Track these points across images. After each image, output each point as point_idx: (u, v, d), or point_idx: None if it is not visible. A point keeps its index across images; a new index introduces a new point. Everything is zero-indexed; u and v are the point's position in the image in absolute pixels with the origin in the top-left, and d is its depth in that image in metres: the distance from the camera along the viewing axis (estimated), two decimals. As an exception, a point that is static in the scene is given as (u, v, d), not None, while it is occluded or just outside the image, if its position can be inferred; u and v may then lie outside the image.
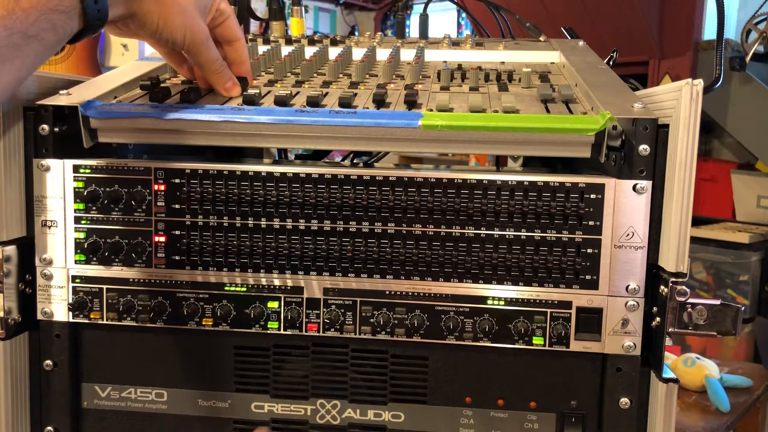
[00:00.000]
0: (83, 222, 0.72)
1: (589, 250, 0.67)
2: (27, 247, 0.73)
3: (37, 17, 0.54)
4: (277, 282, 0.72)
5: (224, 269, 0.72)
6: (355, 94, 0.74)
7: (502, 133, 0.67)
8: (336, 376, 0.73)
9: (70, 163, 0.72)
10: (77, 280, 0.73)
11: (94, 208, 0.72)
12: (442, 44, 1.02)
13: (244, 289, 0.72)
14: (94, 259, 0.73)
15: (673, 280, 0.64)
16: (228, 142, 0.70)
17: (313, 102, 0.70)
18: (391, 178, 0.69)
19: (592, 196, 0.67)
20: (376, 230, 0.70)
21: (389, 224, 0.70)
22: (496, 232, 0.69)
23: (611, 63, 1.03)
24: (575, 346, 0.69)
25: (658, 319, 0.66)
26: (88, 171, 0.72)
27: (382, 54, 0.96)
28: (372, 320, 0.71)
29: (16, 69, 0.55)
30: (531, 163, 1.12)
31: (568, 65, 0.88)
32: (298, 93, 0.77)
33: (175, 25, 0.66)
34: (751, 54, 2.47)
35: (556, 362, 0.70)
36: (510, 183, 0.68)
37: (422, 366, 0.72)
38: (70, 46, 2.53)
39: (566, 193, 0.67)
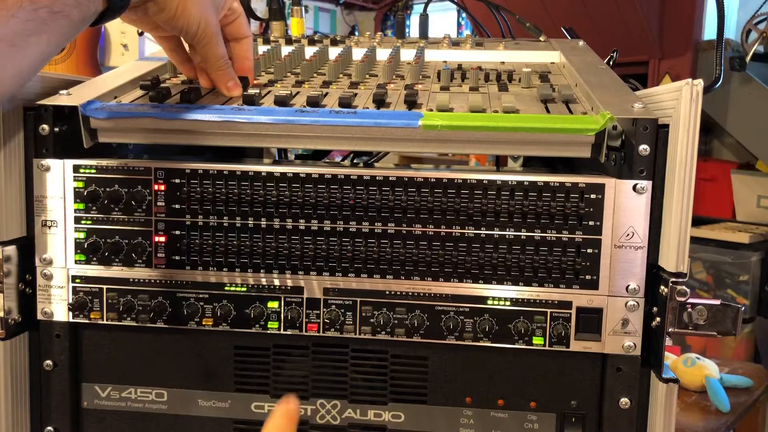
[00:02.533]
0: (83, 222, 0.72)
1: (589, 250, 0.67)
2: (27, 247, 0.73)
3: None
4: (277, 282, 0.72)
5: (224, 269, 0.72)
6: (355, 94, 0.74)
7: (502, 133, 0.67)
8: (336, 376, 0.73)
9: (70, 163, 0.72)
10: (77, 280, 0.73)
11: (94, 208, 0.72)
12: (442, 44, 1.02)
13: (244, 289, 0.72)
14: (94, 259, 0.73)
15: (673, 280, 0.64)
16: (228, 142, 0.70)
17: (313, 102, 0.70)
18: (391, 178, 0.69)
19: (592, 196, 0.67)
20: (376, 230, 0.70)
21: (389, 224, 0.70)
22: (496, 232, 0.69)
23: (611, 63, 1.03)
24: (575, 346, 0.69)
25: (658, 319, 0.66)
26: (88, 171, 0.72)
27: (382, 54, 0.96)
28: (372, 320, 0.71)
29: (44, 43, 0.56)
30: (531, 163, 1.12)
31: (568, 65, 0.88)
32: (298, 93, 0.77)
33: (192, 14, 0.67)
34: (751, 54, 2.47)
35: (556, 362, 0.70)
36: (510, 183, 0.68)
37: (422, 366, 0.72)
38: (70, 45, 2.52)
39: (566, 193, 0.67)
